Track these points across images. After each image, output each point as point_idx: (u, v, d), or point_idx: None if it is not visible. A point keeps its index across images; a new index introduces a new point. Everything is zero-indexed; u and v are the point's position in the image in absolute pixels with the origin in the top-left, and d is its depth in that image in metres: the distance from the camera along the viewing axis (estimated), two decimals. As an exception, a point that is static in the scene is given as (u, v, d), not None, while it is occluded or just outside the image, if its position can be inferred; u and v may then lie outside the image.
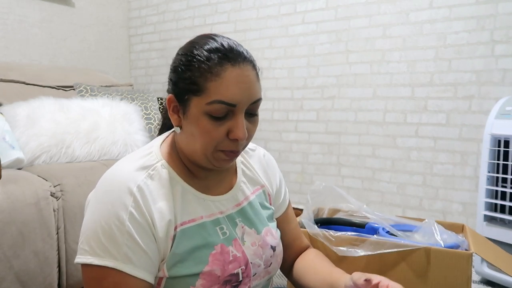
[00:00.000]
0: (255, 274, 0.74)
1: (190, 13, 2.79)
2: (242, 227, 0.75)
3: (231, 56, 0.64)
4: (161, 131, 0.82)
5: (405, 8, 2.03)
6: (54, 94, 1.87)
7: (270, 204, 0.86)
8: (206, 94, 0.63)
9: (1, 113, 1.54)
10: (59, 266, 1.27)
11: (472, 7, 1.87)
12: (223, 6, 2.62)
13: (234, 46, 0.66)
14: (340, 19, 2.22)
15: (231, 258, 0.70)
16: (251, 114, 0.68)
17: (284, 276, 0.96)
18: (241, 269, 0.71)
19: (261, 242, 0.76)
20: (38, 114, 1.58)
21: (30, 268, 1.18)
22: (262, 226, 0.79)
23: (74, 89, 2.06)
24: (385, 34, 2.09)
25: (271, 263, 0.78)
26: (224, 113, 0.64)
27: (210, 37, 0.68)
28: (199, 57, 0.64)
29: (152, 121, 1.99)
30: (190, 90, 0.65)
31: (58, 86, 2.04)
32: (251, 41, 2.52)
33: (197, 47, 0.66)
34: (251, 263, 0.73)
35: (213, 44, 0.65)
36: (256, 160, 0.86)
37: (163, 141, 0.75)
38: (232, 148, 0.67)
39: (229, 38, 0.68)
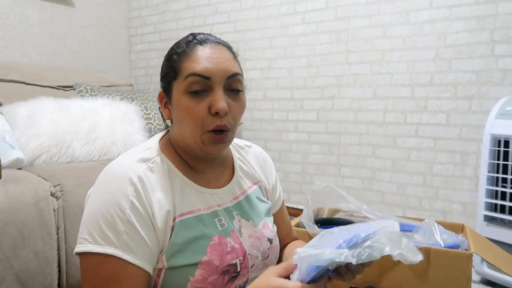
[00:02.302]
0: (253, 265, 0.75)
1: (190, 13, 2.79)
2: (239, 220, 0.77)
3: (202, 39, 0.71)
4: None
5: (405, 8, 2.03)
6: (54, 94, 1.87)
7: (267, 199, 0.88)
8: (181, 74, 0.68)
9: (1, 113, 1.54)
10: (59, 266, 1.27)
11: (472, 7, 1.87)
12: (223, 6, 2.62)
13: (206, 34, 0.72)
14: (340, 19, 2.22)
15: (229, 249, 0.71)
16: (233, 90, 0.70)
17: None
18: (239, 259, 0.72)
19: (258, 234, 0.78)
20: (38, 114, 1.58)
21: (30, 268, 1.18)
22: (259, 219, 0.81)
23: (74, 89, 2.06)
24: (385, 34, 2.09)
25: (268, 255, 0.80)
26: (200, 86, 0.67)
27: (190, 34, 0.73)
28: (177, 49, 0.71)
29: (152, 121, 1.99)
30: (170, 77, 0.71)
31: (58, 86, 2.04)
32: (251, 41, 2.52)
33: (176, 43, 0.73)
34: (248, 254, 0.74)
35: (189, 37, 0.72)
36: (253, 157, 0.88)
37: (161, 138, 0.78)
38: (217, 123, 0.67)
39: (210, 34, 0.73)
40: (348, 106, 2.23)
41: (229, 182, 0.80)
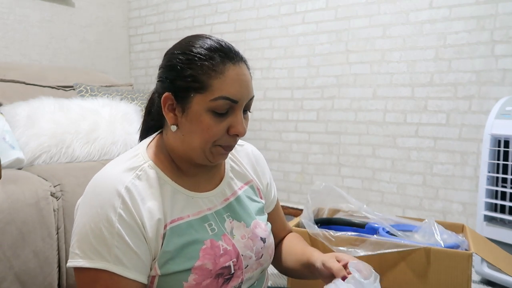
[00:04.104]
0: (247, 266, 0.75)
1: (190, 13, 2.79)
2: (231, 222, 0.76)
3: (231, 55, 0.68)
4: (143, 135, 0.82)
5: (405, 8, 2.03)
6: (54, 94, 1.87)
7: (261, 198, 0.87)
8: (210, 91, 0.65)
9: (1, 113, 1.54)
10: (59, 266, 1.27)
11: (472, 7, 1.87)
12: (223, 6, 2.62)
13: (231, 46, 0.70)
14: (340, 19, 2.22)
15: (221, 252, 0.71)
16: (245, 110, 0.72)
17: (284, 277, 0.96)
18: (233, 261, 0.72)
19: (250, 234, 0.78)
20: (38, 114, 1.58)
21: (30, 268, 1.18)
22: (251, 219, 0.80)
23: (74, 89, 2.06)
24: (385, 34, 2.09)
25: (262, 254, 0.79)
26: (226, 109, 0.67)
27: (205, 37, 0.70)
28: (200, 56, 0.66)
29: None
30: (192, 88, 0.66)
31: (58, 86, 2.04)
32: (251, 41, 2.52)
33: (196, 46, 0.68)
34: (242, 255, 0.74)
35: (212, 44, 0.68)
36: (244, 156, 0.88)
37: (149, 143, 0.76)
38: (231, 142, 0.70)
39: (232, 47, 0.71)
40: (348, 106, 2.23)
41: (219, 183, 0.79)
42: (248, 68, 0.72)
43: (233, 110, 0.68)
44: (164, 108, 0.69)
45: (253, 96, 0.71)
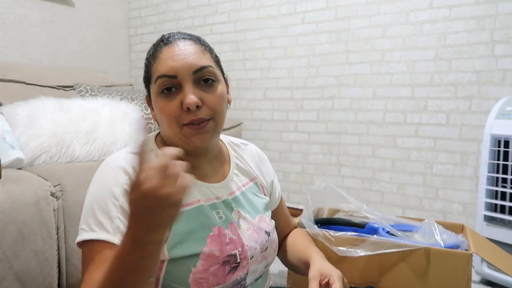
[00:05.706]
0: (253, 257, 0.77)
1: (190, 13, 2.78)
2: (238, 212, 0.78)
3: (166, 39, 0.73)
4: None
5: (405, 8, 2.03)
6: (54, 94, 1.87)
7: (264, 195, 0.89)
8: (153, 78, 0.71)
9: (1, 113, 1.54)
10: (59, 266, 1.27)
11: (472, 7, 1.87)
12: (223, 6, 2.62)
13: (174, 33, 0.74)
14: (340, 19, 2.22)
15: (227, 240, 0.73)
16: (205, 81, 0.71)
17: (284, 276, 0.97)
18: (238, 250, 0.73)
19: (255, 227, 0.80)
20: (38, 114, 1.58)
21: (30, 268, 1.18)
22: (256, 213, 0.82)
23: (74, 89, 2.06)
24: (385, 34, 2.09)
25: (267, 247, 0.81)
26: (169, 85, 0.69)
27: (161, 36, 0.75)
28: (148, 54, 0.75)
29: (152, 121, 1.99)
30: (147, 82, 0.75)
31: (58, 86, 2.04)
32: (251, 41, 2.52)
33: (149, 48, 0.76)
34: (247, 245, 0.76)
35: (158, 40, 0.74)
36: (249, 154, 0.91)
37: (157, 134, 0.80)
38: (191, 117, 0.68)
39: (179, 32, 0.75)
40: (348, 106, 2.23)
41: (225, 178, 0.81)
42: (200, 44, 0.73)
43: (180, 86, 0.69)
44: (150, 109, 0.77)
45: (201, 67, 0.69)
